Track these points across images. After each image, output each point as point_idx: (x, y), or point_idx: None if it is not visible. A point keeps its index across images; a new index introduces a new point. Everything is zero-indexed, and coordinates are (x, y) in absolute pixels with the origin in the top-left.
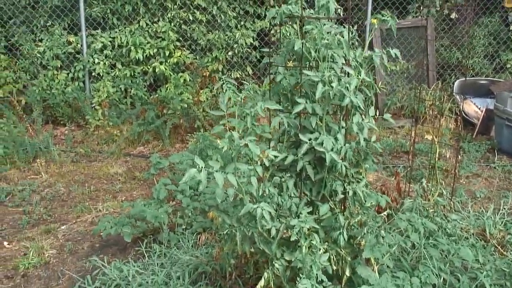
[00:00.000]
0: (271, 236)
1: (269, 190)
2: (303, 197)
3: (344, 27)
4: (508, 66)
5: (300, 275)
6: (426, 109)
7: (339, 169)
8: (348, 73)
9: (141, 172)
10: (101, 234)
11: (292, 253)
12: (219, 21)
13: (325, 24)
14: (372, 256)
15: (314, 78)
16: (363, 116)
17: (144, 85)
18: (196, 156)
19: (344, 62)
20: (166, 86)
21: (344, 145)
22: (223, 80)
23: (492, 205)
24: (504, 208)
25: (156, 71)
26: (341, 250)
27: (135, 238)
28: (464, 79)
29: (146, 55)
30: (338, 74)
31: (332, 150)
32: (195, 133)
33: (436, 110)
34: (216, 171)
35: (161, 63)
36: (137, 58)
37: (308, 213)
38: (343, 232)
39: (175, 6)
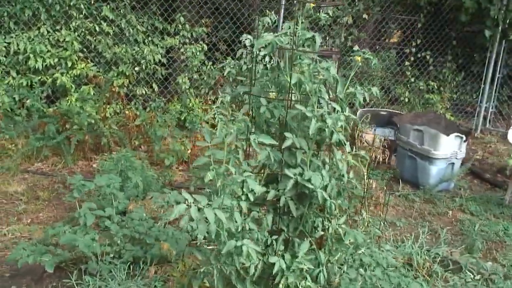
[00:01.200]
0: (250, 274)
1: (249, 226)
2: (280, 233)
3: (327, 61)
4: (402, 98)
5: None
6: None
7: (328, 207)
8: (335, 108)
9: (44, 191)
10: (14, 262)
11: None
12: (127, 34)
13: (320, 60)
14: None
15: (308, 113)
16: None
17: (41, 96)
18: (183, 190)
19: (328, 97)
20: (67, 99)
21: (330, 181)
22: (215, 111)
23: (412, 234)
24: (422, 237)
25: (57, 82)
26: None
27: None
28: (365, 108)
29: (46, 65)
30: (326, 109)
31: (320, 187)
32: (113, 153)
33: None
34: (205, 206)
35: (62, 74)
36: (35, 67)
37: (284, 249)
38: (323, 270)
39: (81, 16)
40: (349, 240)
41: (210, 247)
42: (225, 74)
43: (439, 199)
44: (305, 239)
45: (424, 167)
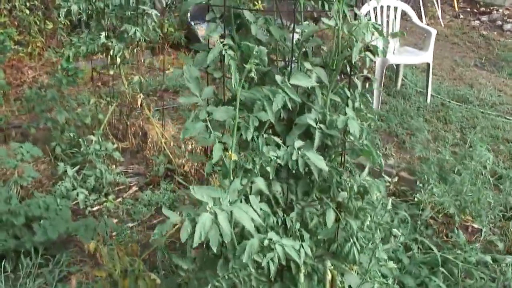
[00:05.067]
0: (271, 273)
1: (260, 209)
2: (292, 206)
3: None
4: None
5: None
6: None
7: (376, 160)
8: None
9: None
10: None
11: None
12: None
13: None
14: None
15: (345, 27)
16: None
17: None
18: (193, 188)
19: None
20: None
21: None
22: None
23: None
24: None
25: None
26: (350, 266)
27: None
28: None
29: None
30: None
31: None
32: None
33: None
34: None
35: None
36: None
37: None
38: (355, 243)
39: None
40: (376, 194)
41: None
42: None
43: None
44: (319, 207)
45: None
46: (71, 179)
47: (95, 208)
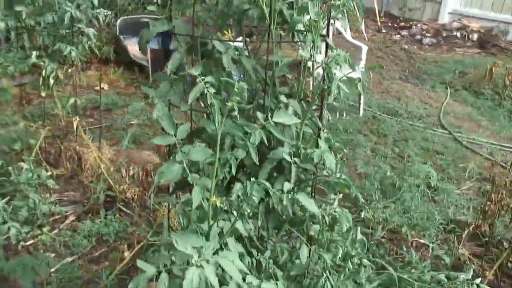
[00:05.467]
0: None
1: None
2: (264, 243)
3: None
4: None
5: None
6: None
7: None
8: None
9: None
10: None
11: None
12: None
13: None
14: None
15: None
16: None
17: None
18: (175, 239)
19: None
20: None
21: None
22: (199, 79)
23: None
24: None
25: None
26: None
27: None
28: (125, 17)
29: None
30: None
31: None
32: None
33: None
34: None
35: None
36: None
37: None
38: (329, 278)
39: None
40: (346, 225)
41: None
42: None
43: None
44: (289, 241)
45: None
46: (1, 212)
47: (29, 243)
